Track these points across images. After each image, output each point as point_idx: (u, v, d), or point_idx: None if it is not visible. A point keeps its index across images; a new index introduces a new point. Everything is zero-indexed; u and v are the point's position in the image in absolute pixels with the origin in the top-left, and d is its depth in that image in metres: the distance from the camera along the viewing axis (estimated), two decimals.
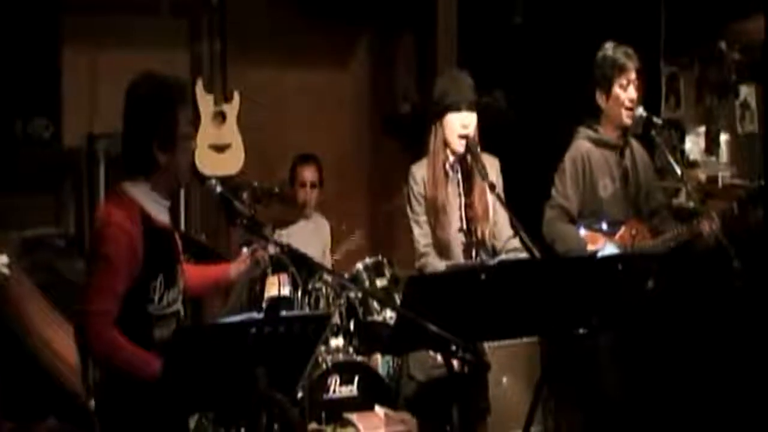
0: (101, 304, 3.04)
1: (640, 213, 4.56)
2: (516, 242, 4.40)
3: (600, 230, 4.47)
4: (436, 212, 4.36)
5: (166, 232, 3.28)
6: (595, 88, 4.50)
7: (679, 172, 4.56)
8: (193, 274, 3.50)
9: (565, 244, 4.44)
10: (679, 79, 6.27)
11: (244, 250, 3.68)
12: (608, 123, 4.51)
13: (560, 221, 4.49)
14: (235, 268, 3.62)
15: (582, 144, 4.54)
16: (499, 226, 4.44)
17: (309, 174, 5.69)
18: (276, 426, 3.18)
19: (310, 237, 5.68)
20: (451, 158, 4.39)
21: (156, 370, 2.93)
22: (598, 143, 4.53)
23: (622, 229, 4.47)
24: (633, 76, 4.41)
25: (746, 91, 5.90)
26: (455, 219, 4.39)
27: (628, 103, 4.41)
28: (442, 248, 4.38)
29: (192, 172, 5.83)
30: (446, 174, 4.40)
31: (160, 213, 3.25)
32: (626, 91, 4.40)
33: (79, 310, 3.06)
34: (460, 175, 4.40)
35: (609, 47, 4.47)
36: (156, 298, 3.18)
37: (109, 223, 3.10)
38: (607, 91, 4.44)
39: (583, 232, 4.46)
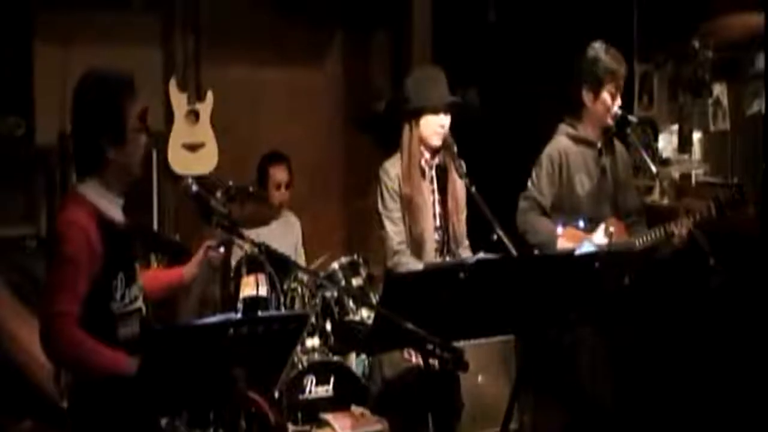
0: (65, 304, 3.01)
1: (617, 211, 4.58)
2: (465, 252, 4.41)
3: (578, 227, 4.48)
4: (412, 209, 4.33)
5: (122, 229, 3.26)
6: (582, 85, 4.51)
7: (654, 170, 4.60)
8: (147, 279, 3.48)
9: (536, 236, 4.47)
10: (652, 77, 6.29)
11: (200, 251, 3.66)
12: (589, 121, 4.54)
13: (533, 213, 4.52)
14: (188, 271, 3.62)
15: (561, 140, 4.57)
16: (463, 230, 4.45)
17: (281, 174, 5.66)
18: (255, 427, 3.18)
19: (281, 236, 5.65)
20: (427, 155, 4.38)
21: (125, 367, 2.94)
22: (577, 140, 4.55)
23: (600, 226, 4.49)
24: (622, 83, 4.47)
25: (719, 90, 5.93)
26: (430, 216, 4.37)
27: (614, 109, 4.46)
28: (416, 246, 4.35)
29: (165, 170, 5.86)
30: (422, 171, 4.38)
31: (114, 211, 3.24)
32: (615, 97, 4.45)
33: (43, 312, 3.03)
34: (434, 172, 4.39)
35: (600, 49, 4.48)
36: (118, 295, 3.17)
37: (67, 223, 3.10)
38: (596, 93, 4.47)
39: (560, 229, 4.47)
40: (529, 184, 4.57)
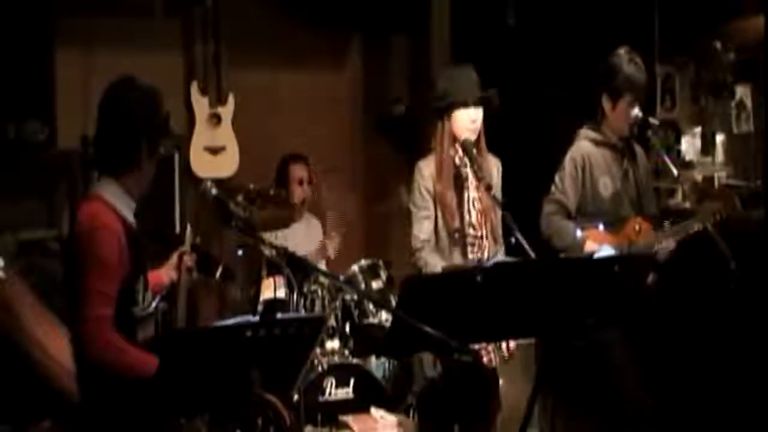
0: (101, 308, 3.06)
1: (642, 212, 4.59)
2: (500, 255, 4.40)
3: (597, 229, 4.49)
4: (443, 208, 4.33)
5: (138, 234, 3.31)
6: (602, 91, 4.54)
7: (675, 172, 4.59)
8: None
9: (561, 240, 4.49)
10: (674, 79, 6.27)
11: (174, 256, 3.71)
12: (608, 128, 4.58)
13: (558, 216, 4.54)
14: (166, 275, 3.67)
15: (583, 144, 4.60)
16: (498, 231, 4.43)
17: (301, 171, 5.69)
18: (271, 429, 3.19)
19: (302, 238, 5.67)
20: (461, 152, 4.36)
21: (156, 367, 2.95)
22: (599, 143, 4.59)
23: (626, 225, 4.51)
24: (642, 93, 4.49)
25: (742, 91, 5.90)
26: (463, 214, 4.36)
27: (631, 119, 4.48)
28: (448, 244, 4.35)
29: (187, 173, 5.89)
30: (455, 168, 4.37)
31: (130, 215, 3.29)
32: (633, 107, 4.47)
33: (80, 316, 3.07)
34: (468, 170, 4.38)
35: (623, 58, 4.49)
36: (140, 299, 3.24)
37: (98, 226, 3.12)
38: (614, 102, 4.50)
39: (579, 233, 4.47)
40: (553, 188, 4.59)
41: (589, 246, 4.43)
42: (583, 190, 4.53)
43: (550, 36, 6.38)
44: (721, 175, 6.06)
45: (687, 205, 5.50)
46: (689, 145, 6.24)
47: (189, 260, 3.66)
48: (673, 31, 6.15)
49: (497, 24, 6.59)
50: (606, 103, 4.52)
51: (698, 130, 6.22)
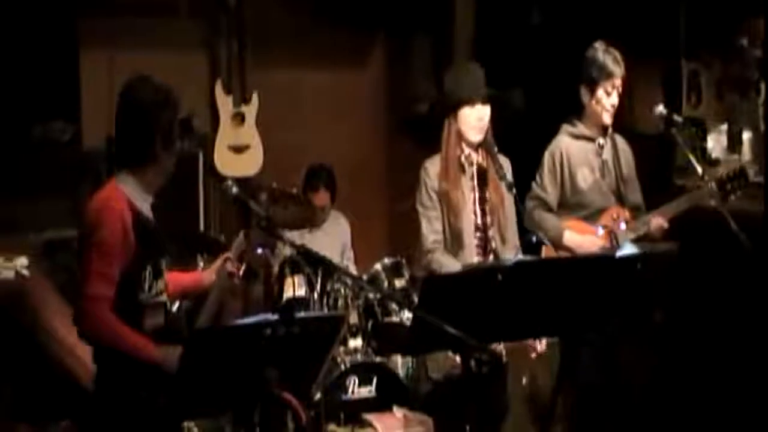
0: (101, 288, 3.15)
1: (624, 202, 4.64)
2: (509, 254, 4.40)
3: (583, 218, 4.58)
4: (450, 207, 4.33)
5: (153, 225, 3.39)
6: (581, 83, 4.58)
7: (699, 170, 4.58)
8: (169, 279, 3.57)
9: (542, 232, 4.52)
10: (700, 76, 6.23)
11: (219, 261, 3.73)
12: (589, 120, 4.61)
13: (538, 211, 4.58)
14: (207, 277, 3.72)
15: (561, 139, 4.65)
16: (510, 232, 4.42)
17: (318, 200, 5.65)
18: (291, 426, 3.21)
19: (329, 237, 5.68)
20: (467, 150, 4.37)
21: (153, 354, 3.10)
22: (577, 137, 4.63)
23: (604, 214, 4.57)
24: (618, 82, 4.51)
25: None
26: (469, 213, 4.36)
27: (609, 107, 4.52)
28: (456, 243, 4.34)
29: (211, 173, 5.92)
30: (461, 168, 4.37)
31: (145, 208, 3.37)
32: (610, 96, 4.50)
33: (80, 293, 3.17)
34: (474, 169, 4.38)
35: (599, 48, 4.55)
36: (146, 286, 3.30)
37: (106, 211, 3.22)
38: (592, 92, 4.54)
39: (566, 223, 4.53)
40: (534, 184, 4.65)
41: (568, 237, 4.50)
42: (561, 183, 4.58)
43: (574, 35, 6.34)
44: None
45: (712, 203, 5.46)
46: (715, 142, 6.20)
47: (231, 266, 3.68)
48: (699, 28, 6.12)
49: (521, 23, 6.57)
50: (584, 95, 4.57)
51: (724, 127, 6.18)
